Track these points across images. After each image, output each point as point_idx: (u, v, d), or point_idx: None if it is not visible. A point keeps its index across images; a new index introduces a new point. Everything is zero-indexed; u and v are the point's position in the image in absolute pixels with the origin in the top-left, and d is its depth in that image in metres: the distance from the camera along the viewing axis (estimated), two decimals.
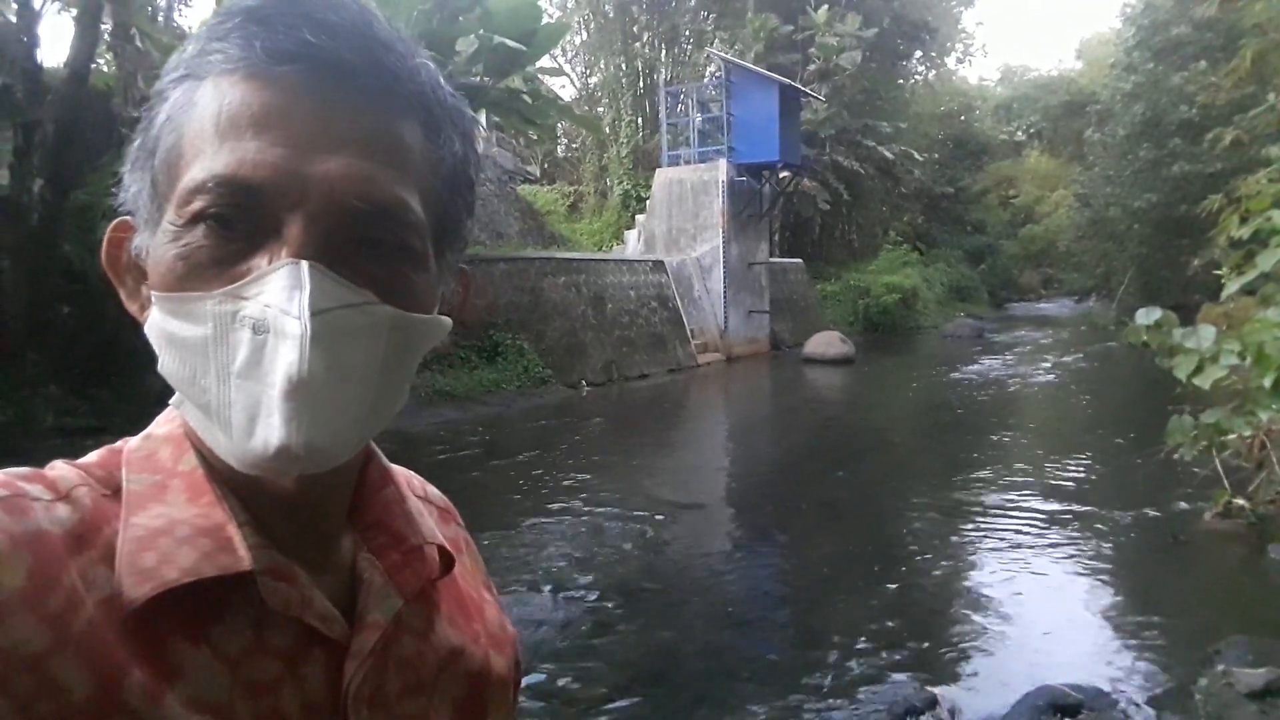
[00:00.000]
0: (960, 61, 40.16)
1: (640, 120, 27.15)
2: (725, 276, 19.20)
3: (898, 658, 4.54)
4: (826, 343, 19.03)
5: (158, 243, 0.54)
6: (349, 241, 0.52)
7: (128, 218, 0.58)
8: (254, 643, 0.53)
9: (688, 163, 20.15)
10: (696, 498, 8.34)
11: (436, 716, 0.63)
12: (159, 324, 0.53)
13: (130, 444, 0.59)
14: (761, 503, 8.16)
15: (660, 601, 5.49)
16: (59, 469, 0.55)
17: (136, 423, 0.61)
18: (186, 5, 15.70)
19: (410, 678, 0.61)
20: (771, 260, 21.74)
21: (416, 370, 0.58)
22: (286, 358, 0.48)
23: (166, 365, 0.54)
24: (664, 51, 28.49)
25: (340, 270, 0.51)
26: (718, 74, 20.97)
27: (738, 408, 15.09)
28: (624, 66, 27.66)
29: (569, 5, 28.68)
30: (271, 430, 0.48)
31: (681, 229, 19.66)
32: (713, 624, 5.18)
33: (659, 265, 18.11)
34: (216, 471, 0.55)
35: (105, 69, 10.87)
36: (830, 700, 4.09)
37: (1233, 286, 6.83)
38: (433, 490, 0.75)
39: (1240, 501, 6.43)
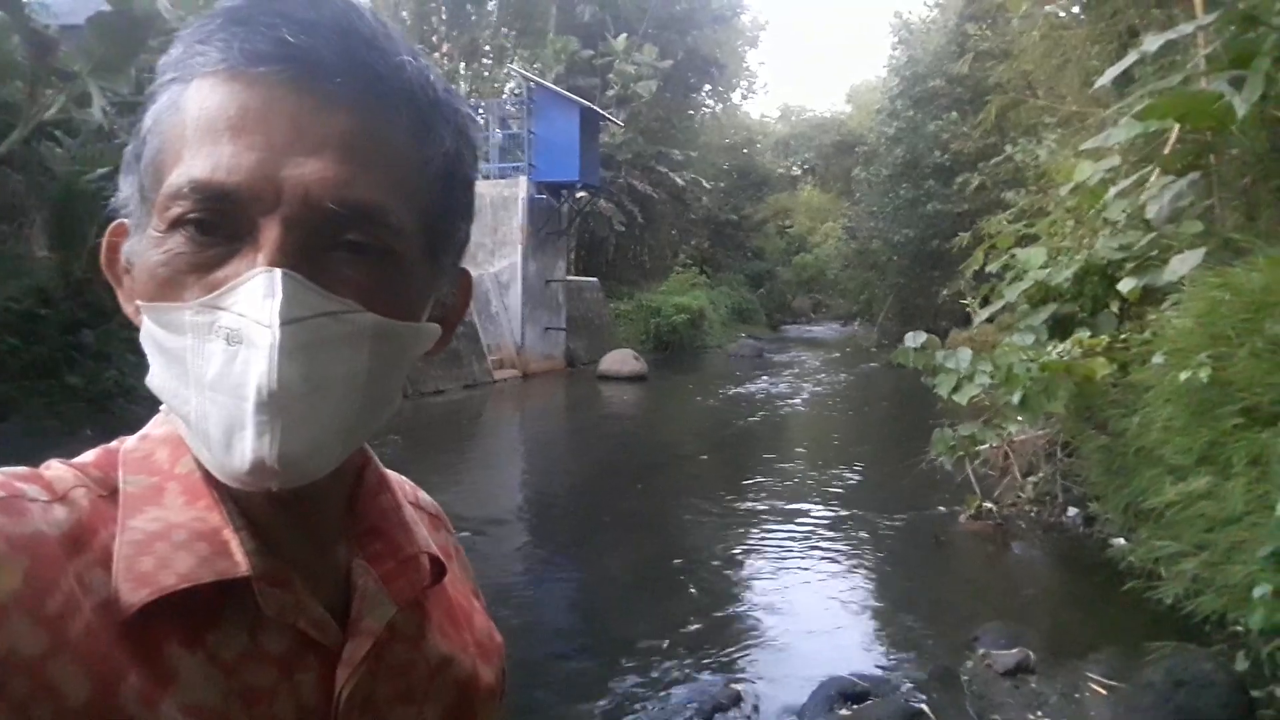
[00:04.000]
0: (745, 97, 42.31)
1: None
2: (523, 293, 19.14)
3: (701, 659, 4.72)
4: (620, 360, 19.43)
5: (143, 248, 0.53)
6: (328, 246, 0.51)
7: (124, 220, 0.57)
8: (249, 648, 0.53)
9: (487, 178, 19.94)
10: (498, 514, 8.26)
11: None
12: (149, 332, 0.52)
13: (127, 444, 0.58)
14: (563, 516, 8.21)
15: None
16: (55, 469, 0.54)
17: None
18: None
19: (401, 685, 0.61)
20: (568, 278, 21.88)
21: None
22: (257, 369, 0.47)
23: (154, 375, 0.53)
24: (463, 65, 28.12)
25: (320, 277, 0.49)
26: (518, 91, 20.94)
27: (537, 424, 15.08)
28: None
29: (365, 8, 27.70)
30: (246, 444, 0.47)
31: (479, 244, 19.42)
32: (520, 638, 5.15)
33: None
34: (212, 474, 0.54)
35: None
36: (641, 703, 4.20)
37: (983, 315, 7.79)
38: (423, 496, 0.75)
39: (989, 505, 7.20)
